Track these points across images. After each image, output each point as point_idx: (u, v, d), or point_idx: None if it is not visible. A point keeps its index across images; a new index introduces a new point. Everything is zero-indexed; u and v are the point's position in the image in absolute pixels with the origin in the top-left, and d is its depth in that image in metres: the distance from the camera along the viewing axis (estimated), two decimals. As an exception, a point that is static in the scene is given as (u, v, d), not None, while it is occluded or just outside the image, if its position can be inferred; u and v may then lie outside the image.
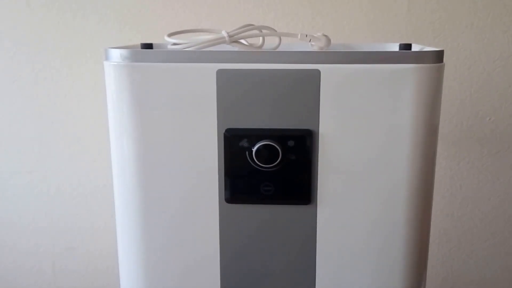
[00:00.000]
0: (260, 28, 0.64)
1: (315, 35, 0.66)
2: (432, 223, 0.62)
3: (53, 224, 1.11)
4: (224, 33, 0.62)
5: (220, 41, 0.62)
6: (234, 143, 0.56)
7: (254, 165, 0.56)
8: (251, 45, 0.67)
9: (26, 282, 1.16)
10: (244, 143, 0.56)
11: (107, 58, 0.56)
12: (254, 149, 0.56)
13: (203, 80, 0.55)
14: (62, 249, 1.13)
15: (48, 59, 1.02)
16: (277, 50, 0.69)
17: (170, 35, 0.64)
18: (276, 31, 0.65)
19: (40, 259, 1.14)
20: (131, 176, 0.58)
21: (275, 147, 0.55)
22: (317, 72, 0.54)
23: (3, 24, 1.01)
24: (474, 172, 1.03)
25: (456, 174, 1.04)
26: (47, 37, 1.01)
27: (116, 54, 0.55)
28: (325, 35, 0.66)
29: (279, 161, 0.56)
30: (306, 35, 0.65)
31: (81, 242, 1.12)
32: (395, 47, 0.70)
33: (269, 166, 0.56)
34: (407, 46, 0.63)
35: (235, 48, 0.65)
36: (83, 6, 0.99)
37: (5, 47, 1.02)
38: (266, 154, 0.56)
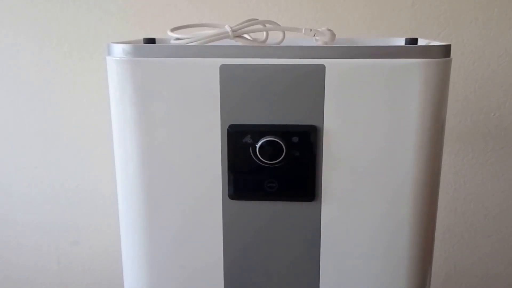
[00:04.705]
0: (263, 22, 0.64)
1: (319, 29, 0.65)
2: (436, 219, 0.61)
3: (58, 220, 1.11)
4: (227, 28, 0.61)
5: (223, 36, 0.61)
6: (238, 139, 0.56)
7: (258, 161, 0.56)
8: (254, 40, 0.66)
9: (31, 277, 1.16)
10: (248, 139, 0.56)
11: (109, 53, 0.56)
12: (257, 145, 0.56)
13: (206, 76, 0.54)
14: (67, 245, 1.13)
15: (51, 55, 1.01)
16: (281, 45, 0.68)
17: (173, 30, 0.64)
18: (280, 25, 0.65)
19: (45, 254, 1.14)
20: (134, 172, 0.58)
21: (279, 143, 0.55)
22: (322, 67, 0.53)
23: (7, 19, 1.00)
24: (478, 168, 1.03)
25: (460, 170, 1.03)
26: (50, 32, 1.00)
27: (119, 49, 0.55)
28: (330, 30, 0.65)
29: (283, 157, 0.56)
30: (311, 30, 0.64)
31: (85, 238, 1.12)
32: (401, 42, 0.69)
33: (273, 163, 0.56)
34: (413, 41, 0.62)
35: (238, 43, 0.64)
36: (86, 1, 0.99)
37: (8, 43, 1.01)
38: (270, 150, 0.55)
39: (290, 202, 0.58)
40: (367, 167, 0.56)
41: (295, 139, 0.55)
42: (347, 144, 0.55)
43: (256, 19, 0.63)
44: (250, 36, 0.66)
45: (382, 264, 0.59)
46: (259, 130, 0.55)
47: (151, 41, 0.69)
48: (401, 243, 0.58)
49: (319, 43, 0.66)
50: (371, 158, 0.55)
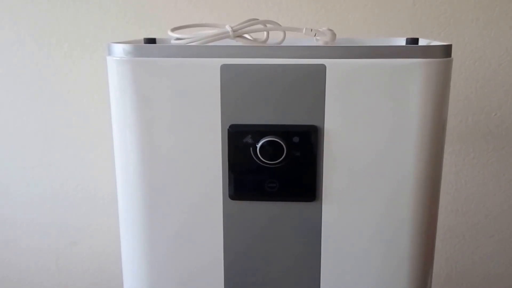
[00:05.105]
0: (264, 22, 0.64)
1: (320, 29, 0.65)
2: (437, 219, 0.61)
3: (57, 220, 1.11)
4: (228, 28, 0.61)
5: (224, 35, 0.61)
6: (238, 139, 0.56)
7: (259, 162, 0.56)
8: (255, 39, 0.66)
9: (30, 278, 1.16)
10: (248, 139, 0.56)
11: (110, 53, 0.56)
12: (258, 145, 0.55)
13: (207, 75, 0.54)
14: (66, 245, 1.13)
15: (51, 55, 1.01)
16: (281, 45, 0.68)
17: (173, 30, 0.63)
18: (280, 25, 0.65)
19: (44, 255, 1.14)
20: (134, 172, 0.58)
21: (280, 143, 0.55)
22: (323, 67, 0.53)
23: (6, 19, 1.00)
24: (479, 168, 1.03)
25: (461, 170, 1.03)
26: (50, 32, 1.00)
27: (119, 49, 0.55)
28: (330, 30, 0.65)
29: (284, 158, 0.55)
30: (311, 30, 0.64)
31: (84, 238, 1.12)
32: (402, 42, 0.69)
33: (273, 163, 0.56)
34: (414, 41, 0.62)
35: (239, 43, 0.64)
36: (86, 1, 0.98)
37: (8, 42, 1.01)
38: (271, 150, 0.55)
39: (291, 203, 0.58)
40: (368, 167, 0.56)
41: (296, 139, 0.55)
42: (348, 144, 0.55)
43: (257, 19, 0.63)
44: (251, 36, 0.66)
45: (383, 264, 0.59)
46: (259, 130, 0.55)
47: (152, 41, 0.69)
48: (402, 244, 0.58)
49: (320, 43, 0.66)
50: (372, 158, 0.55)
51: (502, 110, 0.99)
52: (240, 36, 0.63)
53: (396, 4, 0.95)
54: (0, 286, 1.17)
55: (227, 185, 0.57)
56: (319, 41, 0.66)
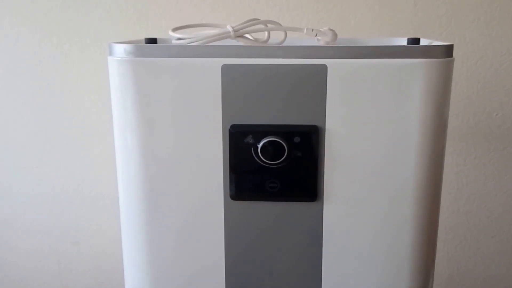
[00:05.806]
0: (265, 22, 0.64)
1: (321, 29, 0.65)
2: (439, 220, 0.61)
3: (58, 220, 1.11)
4: (229, 28, 0.61)
5: (225, 36, 0.61)
6: (239, 139, 0.56)
7: (260, 162, 0.56)
8: (256, 40, 0.66)
9: (31, 278, 1.16)
10: (249, 139, 0.56)
11: (111, 53, 0.56)
12: (259, 146, 0.55)
13: (207, 76, 0.54)
14: (67, 246, 1.13)
15: (52, 55, 1.01)
16: (282, 45, 0.68)
17: (174, 30, 0.63)
18: (281, 25, 0.64)
19: (45, 255, 1.14)
20: (135, 172, 0.58)
21: (281, 143, 0.55)
22: (324, 67, 0.53)
23: (7, 18, 1.00)
24: (481, 168, 1.03)
25: (462, 170, 1.03)
26: (51, 32, 1.00)
27: (120, 49, 0.55)
28: (332, 30, 0.65)
29: (285, 158, 0.55)
30: (312, 30, 0.64)
31: (86, 238, 1.12)
32: (403, 42, 0.69)
33: (274, 163, 0.56)
34: (416, 41, 0.62)
35: (240, 43, 0.64)
36: (87, 1, 0.98)
37: (9, 42, 1.01)
38: (272, 150, 0.55)
39: (292, 203, 0.57)
40: (369, 167, 0.55)
41: (297, 139, 0.55)
42: (349, 144, 0.55)
43: (258, 19, 0.63)
44: (252, 36, 0.66)
45: (385, 265, 0.59)
46: (260, 130, 0.55)
47: (153, 41, 0.69)
48: (404, 244, 0.58)
49: (321, 43, 0.66)
50: (373, 158, 0.55)
51: (504, 110, 0.99)
52: (241, 36, 0.63)
53: (397, 4, 0.95)
54: (1, 287, 1.17)
55: (228, 185, 0.57)
56: (320, 41, 0.66)
